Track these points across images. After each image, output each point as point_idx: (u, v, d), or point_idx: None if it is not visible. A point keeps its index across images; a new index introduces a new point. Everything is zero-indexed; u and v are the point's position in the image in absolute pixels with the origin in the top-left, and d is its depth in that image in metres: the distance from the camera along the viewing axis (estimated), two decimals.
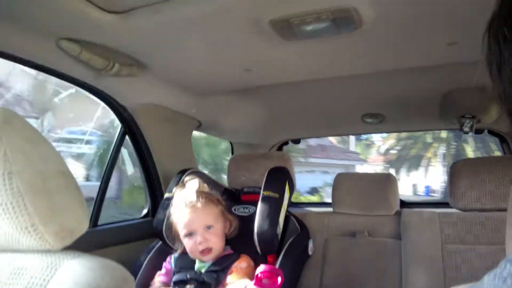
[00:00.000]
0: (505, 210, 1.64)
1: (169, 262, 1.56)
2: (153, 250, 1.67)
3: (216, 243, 1.46)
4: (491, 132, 2.55)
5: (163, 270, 1.55)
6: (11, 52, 1.25)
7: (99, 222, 1.69)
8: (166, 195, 1.69)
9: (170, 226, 1.55)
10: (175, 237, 1.54)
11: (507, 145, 2.54)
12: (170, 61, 1.54)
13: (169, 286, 1.48)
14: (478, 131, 2.52)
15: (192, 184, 1.52)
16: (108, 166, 1.76)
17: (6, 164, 0.68)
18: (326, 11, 1.07)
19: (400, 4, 1.09)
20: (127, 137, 1.86)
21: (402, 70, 1.68)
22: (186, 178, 1.60)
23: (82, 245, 0.76)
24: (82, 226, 0.79)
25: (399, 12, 1.14)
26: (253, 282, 1.15)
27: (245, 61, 1.53)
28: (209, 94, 1.97)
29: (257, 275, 1.15)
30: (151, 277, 1.53)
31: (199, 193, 1.50)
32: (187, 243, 1.47)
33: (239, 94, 2.02)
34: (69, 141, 5.69)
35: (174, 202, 1.53)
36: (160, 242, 1.67)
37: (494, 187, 1.66)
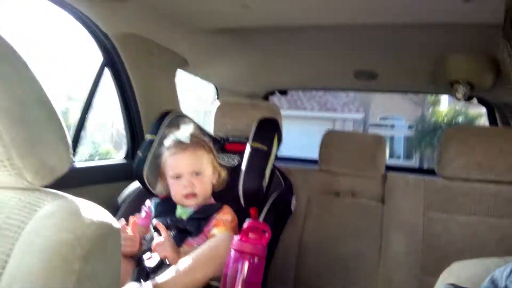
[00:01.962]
0: (489, 181, 1.65)
1: (149, 206, 1.50)
2: (131, 192, 1.60)
3: (202, 190, 1.42)
4: (480, 101, 2.54)
5: (142, 214, 1.49)
6: None
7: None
8: (148, 136, 1.60)
9: (155, 167, 1.51)
10: (162, 178, 1.50)
11: (493, 116, 2.55)
12: None
13: (148, 230, 1.42)
14: (468, 98, 2.50)
15: (187, 127, 1.48)
16: (88, 100, 1.63)
17: None
18: None
19: None
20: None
21: (402, 25, 1.59)
22: (180, 120, 1.57)
23: (55, 181, 0.68)
24: (64, 164, 0.69)
25: None
26: (239, 236, 1.10)
27: None
28: (200, 31, 1.82)
29: (244, 229, 1.10)
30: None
31: (193, 137, 1.46)
32: (172, 184, 1.43)
33: (232, 34, 1.88)
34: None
35: (166, 142, 1.48)
36: (139, 185, 1.60)
37: (481, 157, 1.64)
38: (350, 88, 2.70)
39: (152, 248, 1.25)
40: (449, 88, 2.14)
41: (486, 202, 1.64)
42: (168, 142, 1.47)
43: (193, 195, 1.40)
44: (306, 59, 2.22)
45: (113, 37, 1.63)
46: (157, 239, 1.26)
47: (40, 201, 0.66)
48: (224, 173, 1.52)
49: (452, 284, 0.56)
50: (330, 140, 1.94)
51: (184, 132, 1.45)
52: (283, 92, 2.82)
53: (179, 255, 1.22)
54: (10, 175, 0.63)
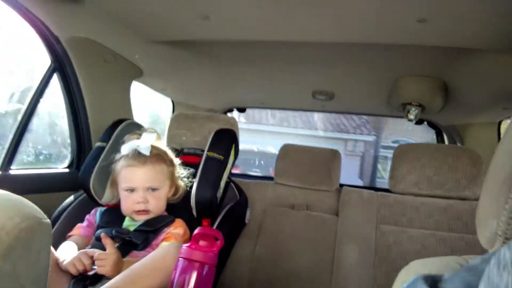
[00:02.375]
0: (439, 197, 1.70)
1: (93, 215, 1.40)
2: (74, 202, 1.50)
3: (156, 208, 1.33)
4: (430, 124, 2.65)
5: (85, 223, 1.39)
6: None
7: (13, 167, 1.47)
8: (98, 144, 1.51)
9: (104, 175, 1.42)
10: (112, 186, 1.40)
11: (441, 138, 2.66)
12: None
13: (90, 240, 1.32)
14: (419, 122, 2.60)
15: (149, 136, 1.36)
16: (31, 105, 1.52)
17: None
18: None
19: None
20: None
21: (359, 45, 1.63)
22: (144, 129, 1.46)
23: None
24: None
25: None
26: (189, 243, 1.03)
27: (205, 6, 1.37)
28: (157, 42, 1.78)
29: (195, 235, 1.03)
30: (69, 230, 1.36)
31: (154, 148, 1.35)
32: (124, 197, 1.33)
33: (190, 47, 1.86)
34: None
35: (123, 149, 1.36)
36: (83, 195, 1.50)
37: (432, 173, 1.70)
38: (309, 108, 2.72)
39: (94, 260, 1.14)
40: (402, 110, 2.21)
41: (436, 216, 1.68)
42: (125, 149, 1.35)
43: (145, 212, 1.32)
44: (265, 76, 2.22)
45: (65, 40, 1.55)
46: (100, 252, 1.15)
47: None
48: (182, 188, 1.45)
49: (425, 275, 0.53)
50: (286, 153, 1.93)
51: (145, 141, 1.34)
52: (242, 110, 2.80)
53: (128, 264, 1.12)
54: None
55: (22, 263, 0.55)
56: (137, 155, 1.32)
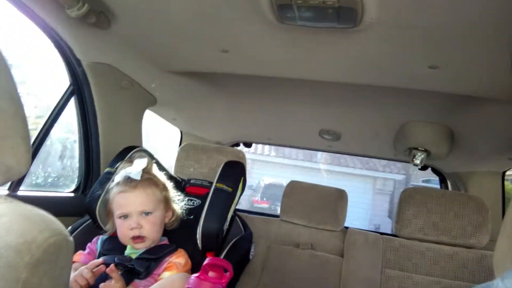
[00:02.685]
0: (445, 244, 1.69)
1: (95, 243, 1.38)
2: (79, 228, 1.48)
3: (151, 233, 1.30)
4: (434, 170, 2.66)
5: (86, 250, 1.36)
6: None
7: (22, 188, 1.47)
8: (107, 169, 1.51)
9: (105, 202, 1.39)
10: (109, 215, 1.38)
11: (445, 185, 2.67)
12: (143, 21, 1.38)
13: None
14: (424, 168, 2.62)
15: (140, 162, 1.36)
16: (46, 126, 1.54)
17: None
18: None
19: (405, 9, 1.06)
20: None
21: (369, 86, 1.67)
22: (135, 155, 1.45)
23: None
24: (21, 166, 0.63)
25: (400, 19, 1.11)
26: (198, 273, 1.02)
27: (226, 40, 1.42)
28: (174, 72, 1.83)
29: (204, 266, 1.02)
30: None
31: (146, 173, 1.34)
32: (119, 225, 1.31)
33: (205, 79, 1.90)
34: None
35: (115, 177, 1.36)
36: (89, 221, 1.49)
37: (438, 219, 1.70)
38: (315, 147, 2.75)
39: None
40: (408, 155, 2.23)
41: (441, 263, 1.66)
42: (118, 178, 1.34)
43: (141, 238, 1.29)
44: (273, 113, 2.26)
45: (86, 65, 1.58)
46: (106, 283, 1.13)
47: None
48: (178, 211, 1.43)
49: None
50: (292, 190, 1.93)
51: (137, 167, 1.34)
52: (248, 145, 2.83)
53: None
54: None
55: (47, 277, 0.55)
56: (128, 180, 1.32)
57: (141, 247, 1.30)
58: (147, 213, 1.31)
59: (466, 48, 1.22)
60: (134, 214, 1.29)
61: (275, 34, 1.30)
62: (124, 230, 1.29)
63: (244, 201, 9.42)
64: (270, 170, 10.90)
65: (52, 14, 1.30)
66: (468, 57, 1.26)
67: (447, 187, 2.66)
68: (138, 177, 1.31)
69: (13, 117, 0.61)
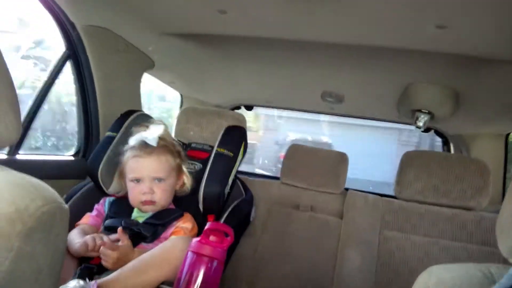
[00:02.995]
0: (444, 206, 1.70)
1: (102, 205, 1.40)
2: (81, 190, 1.49)
3: (162, 198, 1.33)
4: (437, 133, 2.64)
5: (94, 212, 1.38)
6: None
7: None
8: (108, 133, 1.51)
9: (112, 165, 1.42)
10: (120, 177, 1.40)
11: (448, 148, 2.66)
12: None
13: (99, 230, 1.32)
14: (427, 130, 2.60)
15: (157, 128, 1.37)
16: (42, 91, 1.52)
17: None
18: None
19: None
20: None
21: (373, 47, 1.62)
22: (151, 120, 1.46)
23: None
24: (11, 133, 0.62)
25: None
26: (200, 237, 1.03)
27: None
28: (171, 34, 1.77)
29: (206, 230, 1.03)
30: (76, 219, 1.35)
31: (161, 139, 1.35)
32: (131, 188, 1.33)
33: (203, 41, 1.85)
34: None
35: (131, 141, 1.36)
36: (91, 184, 1.50)
37: (439, 182, 1.70)
38: (317, 110, 2.72)
39: (106, 260, 1.12)
40: (411, 117, 2.20)
41: (440, 225, 1.68)
42: (133, 141, 1.35)
43: (152, 202, 1.31)
44: (274, 75, 2.22)
45: (81, 28, 1.54)
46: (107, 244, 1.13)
47: None
48: (189, 180, 1.44)
49: None
50: (294, 153, 1.93)
51: (153, 133, 1.35)
52: (249, 108, 2.80)
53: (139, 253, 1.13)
54: None
55: (41, 245, 0.55)
56: (143, 145, 1.33)
57: (150, 210, 1.32)
58: (159, 180, 1.33)
59: (475, 7, 1.17)
60: (147, 179, 1.31)
61: None
62: (136, 194, 1.32)
63: (271, 156, 9.74)
64: (296, 126, 10.91)
65: None
66: (476, 16, 1.21)
67: (449, 150, 2.65)
68: (154, 144, 1.33)
69: (2, 86, 0.60)
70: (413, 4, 1.21)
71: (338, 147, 9.73)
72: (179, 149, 1.44)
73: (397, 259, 1.67)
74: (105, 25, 1.59)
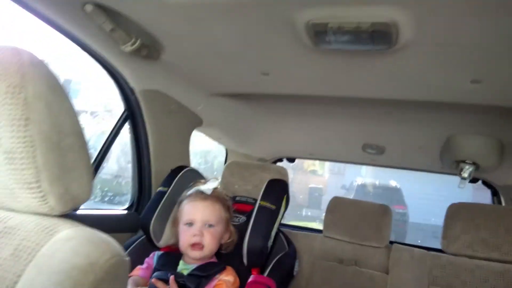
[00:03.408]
0: (495, 260, 1.63)
1: (152, 258, 1.47)
2: (134, 244, 1.59)
3: (210, 244, 1.40)
4: (485, 183, 2.57)
5: (144, 265, 1.46)
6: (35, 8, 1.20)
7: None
8: (160, 188, 1.62)
9: (163, 219, 1.53)
10: (174, 225, 1.51)
11: (498, 199, 2.56)
12: (189, 49, 1.49)
13: (147, 282, 1.39)
14: (473, 180, 2.53)
15: (212, 182, 1.51)
16: (103, 149, 1.68)
17: (25, 109, 0.61)
18: (367, 22, 1.04)
19: (440, 28, 1.07)
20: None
21: (412, 102, 1.67)
22: (209, 178, 1.60)
23: None
24: (85, 194, 0.72)
25: (436, 38, 1.13)
26: None
27: (266, 63, 1.49)
28: (218, 94, 1.92)
29: (249, 283, 1.07)
30: (129, 271, 1.43)
31: (216, 192, 1.48)
32: (183, 231, 1.42)
33: (248, 100, 1.99)
34: None
35: (187, 192, 1.50)
36: (142, 237, 1.59)
37: (488, 235, 1.64)
38: (358, 161, 2.74)
39: None
40: (455, 168, 2.18)
41: (491, 281, 1.60)
42: (190, 192, 1.49)
43: (200, 246, 1.38)
44: (316, 129, 2.30)
45: (139, 92, 1.71)
46: None
47: (58, 226, 0.68)
48: (235, 236, 1.51)
49: None
50: (336, 206, 1.94)
51: (209, 185, 1.48)
52: (291, 160, 2.87)
53: None
54: (35, 198, 0.65)
55: None
56: (199, 193, 1.46)
57: (197, 255, 1.38)
58: (210, 225, 1.41)
59: (508, 60, 1.20)
60: (199, 222, 1.40)
61: (313, 57, 1.35)
62: (187, 236, 1.39)
63: None
64: (365, 170, 10.91)
65: (109, 50, 1.44)
66: (509, 69, 1.24)
67: (500, 202, 2.55)
68: (209, 193, 1.46)
69: (79, 151, 0.70)
70: (445, 62, 1.26)
71: (407, 191, 9.54)
72: (229, 204, 1.53)
73: None
74: (159, 88, 1.76)
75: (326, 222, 1.93)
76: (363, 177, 10.67)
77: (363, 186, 10.35)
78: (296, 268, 1.70)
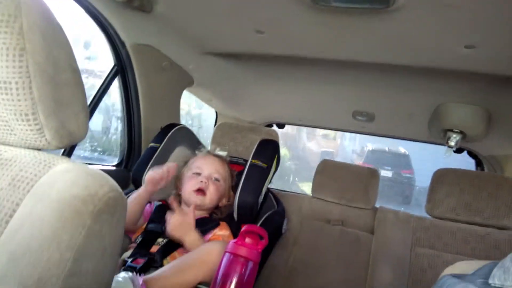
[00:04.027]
0: (477, 224, 1.69)
1: (151, 206, 1.50)
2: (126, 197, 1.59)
3: (212, 195, 1.46)
4: (470, 154, 2.62)
5: (147, 206, 1.50)
6: None
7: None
8: (152, 144, 1.63)
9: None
10: (178, 179, 1.55)
11: (482, 169, 2.62)
12: (182, 4, 1.45)
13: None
14: (459, 150, 2.58)
15: (222, 153, 1.63)
16: (92, 104, 1.65)
17: (20, 39, 0.60)
18: None
19: None
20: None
21: (403, 67, 1.67)
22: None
23: None
24: (81, 132, 0.72)
25: None
26: (236, 239, 1.10)
27: (261, 21, 1.47)
28: (211, 53, 1.89)
29: (242, 232, 1.10)
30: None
31: (226, 157, 1.62)
32: (189, 179, 1.48)
33: (240, 60, 1.96)
34: None
35: (199, 153, 1.60)
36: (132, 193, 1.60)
37: (471, 200, 1.69)
38: (348, 128, 2.76)
39: (168, 224, 1.31)
40: (443, 137, 2.21)
41: (472, 243, 1.67)
42: (201, 153, 1.60)
43: (203, 193, 1.44)
44: (307, 94, 2.29)
45: (130, 46, 1.68)
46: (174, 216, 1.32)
47: (55, 160, 0.68)
48: (231, 203, 1.54)
49: (451, 274, 0.59)
50: (324, 169, 1.97)
51: (220, 152, 1.62)
52: (281, 126, 2.87)
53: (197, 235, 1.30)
54: (31, 131, 0.64)
55: (107, 226, 0.64)
56: (213, 153, 1.60)
57: (198, 201, 1.43)
58: (216, 179, 1.49)
59: (504, 26, 1.20)
60: (206, 172, 1.48)
61: (310, 15, 1.33)
62: (192, 183, 1.46)
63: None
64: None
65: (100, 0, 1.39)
66: (504, 36, 1.25)
67: (483, 171, 2.62)
68: (221, 155, 1.59)
69: (75, 86, 0.69)
70: (440, 25, 1.26)
71: (415, 158, 9.88)
72: (233, 174, 1.61)
73: (428, 276, 1.66)
74: (151, 43, 1.72)
75: (314, 184, 1.96)
76: (372, 143, 10.98)
77: (373, 152, 10.73)
78: (284, 226, 1.75)
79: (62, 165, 0.65)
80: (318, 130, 10.84)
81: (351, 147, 12.19)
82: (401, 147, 10.44)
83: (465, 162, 2.67)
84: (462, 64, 1.53)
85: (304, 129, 11.09)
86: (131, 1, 1.34)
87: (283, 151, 11.25)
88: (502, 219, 1.65)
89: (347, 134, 11.69)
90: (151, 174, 1.42)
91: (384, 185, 9.92)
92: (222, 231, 1.40)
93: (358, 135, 11.37)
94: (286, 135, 11.87)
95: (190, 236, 1.28)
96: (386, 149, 10.47)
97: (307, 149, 12.09)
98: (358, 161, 10.59)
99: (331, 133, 11.92)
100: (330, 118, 2.65)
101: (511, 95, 1.71)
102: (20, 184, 0.63)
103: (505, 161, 2.40)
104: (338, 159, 10.73)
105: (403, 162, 10.22)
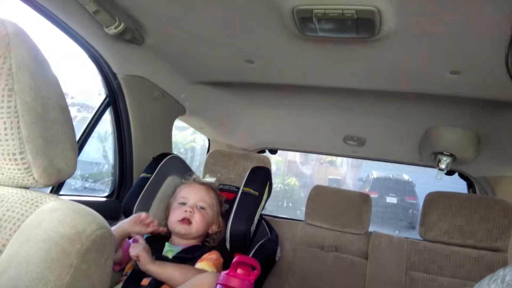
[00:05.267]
0: (470, 247, 1.70)
1: (141, 237, 1.47)
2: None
3: (198, 222, 1.45)
4: (461, 176, 2.64)
5: (131, 240, 1.46)
6: None
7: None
8: (143, 174, 1.62)
9: (146, 204, 1.55)
10: (166, 210, 1.55)
11: (473, 190, 2.64)
12: (173, 35, 1.48)
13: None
14: (450, 172, 2.60)
15: (210, 178, 1.64)
16: (84, 135, 1.65)
17: (9, 79, 0.61)
18: (351, 9, 1.06)
19: (422, 17, 1.10)
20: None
21: (392, 93, 1.70)
22: (206, 175, 1.75)
23: None
24: (69, 169, 0.72)
25: (418, 27, 1.15)
26: (227, 270, 1.09)
27: (251, 51, 1.50)
28: (202, 82, 1.92)
29: (233, 263, 1.09)
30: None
31: (213, 184, 1.60)
32: (175, 209, 1.48)
33: (231, 88, 1.98)
34: None
35: (185, 182, 1.60)
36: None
37: (463, 223, 1.70)
38: (339, 153, 2.78)
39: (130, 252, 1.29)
40: (433, 160, 2.23)
41: (467, 266, 1.67)
42: (188, 181, 1.59)
43: (189, 222, 1.42)
44: (298, 120, 2.32)
45: (121, 78, 1.69)
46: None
47: (43, 199, 0.68)
48: (223, 229, 1.54)
49: None
50: (317, 194, 1.98)
51: (207, 179, 1.61)
52: (273, 152, 2.89)
53: (152, 261, 1.25)
54: (19, 170, 0.65)
55: (94, 265, 0.63)
56: (198, 180, 1.58)
57: (182, 230, 1.42)
58: (202, 208, 1.48)
59: (486, 53, 1.24)
60: (192, 202, 1.48)
61: (298, 45, 1.36)
62: (178, 213, 1.46)
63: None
64: (379, 163, 11.19)
65: (92, 33, 1.42)
66: (489, 61, 1.28)
67: (475, 193, 2.64)
68: (207, 182, 1.58)
69: (63, 125, 0.70)
70: (425, 52, 1.29)
71: (419, 185, 10.06)
72: (222, 200, 1.60)
73: None
74: (143, 74, 1.74)
75: (307, 210, 1.96)
76: (377, 171, 11.27)
77: (378, 180, 11.05)
78: (278, 254, 1.73)
79: (50, 203, 0.65)
80: (323, 157, 10.97)
81: (356, 173, 12.38)
82: (405, 174, 10.78)
83: (465, 184, 2.71)
84: (449, 90, 1.56)
85: (310, 156, 11.16)
86: (122, 34, 1.36)
87: (292, 180, 11.52)
88: (494, 241, 1.65)
89: (351, 161, 11.87)
90: (143, 215, 1.40)
91: (390, 211, 10.19)
92: (212, 255, 1.39)
93: (363, 162, 11.58)
94: (292, 163, 11.99)
95: (151, 268, 1.24)
96: (390, 176, 10.79)
97: (315, 176, 12.20)
98: (365, 188, 10.89)
99: (337, 159, 12.08)
100: (322, 143, 2.67)
101: (498, 118, 1.75)
102: (7, 224, 0.63)
103: (496, 182, 2.42)
104: (345, 186, 10.93)
105: (407, 189, 10.60)
